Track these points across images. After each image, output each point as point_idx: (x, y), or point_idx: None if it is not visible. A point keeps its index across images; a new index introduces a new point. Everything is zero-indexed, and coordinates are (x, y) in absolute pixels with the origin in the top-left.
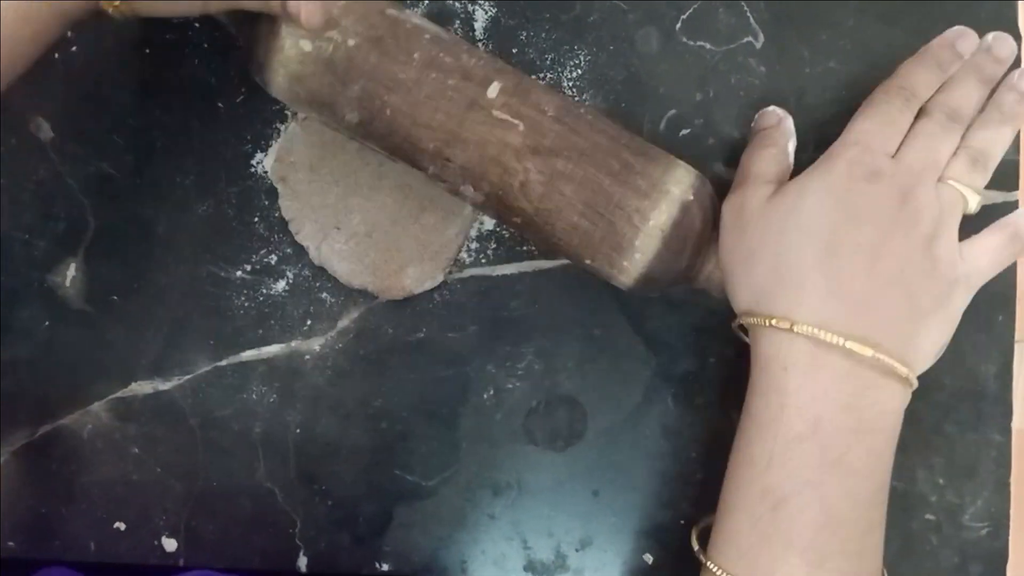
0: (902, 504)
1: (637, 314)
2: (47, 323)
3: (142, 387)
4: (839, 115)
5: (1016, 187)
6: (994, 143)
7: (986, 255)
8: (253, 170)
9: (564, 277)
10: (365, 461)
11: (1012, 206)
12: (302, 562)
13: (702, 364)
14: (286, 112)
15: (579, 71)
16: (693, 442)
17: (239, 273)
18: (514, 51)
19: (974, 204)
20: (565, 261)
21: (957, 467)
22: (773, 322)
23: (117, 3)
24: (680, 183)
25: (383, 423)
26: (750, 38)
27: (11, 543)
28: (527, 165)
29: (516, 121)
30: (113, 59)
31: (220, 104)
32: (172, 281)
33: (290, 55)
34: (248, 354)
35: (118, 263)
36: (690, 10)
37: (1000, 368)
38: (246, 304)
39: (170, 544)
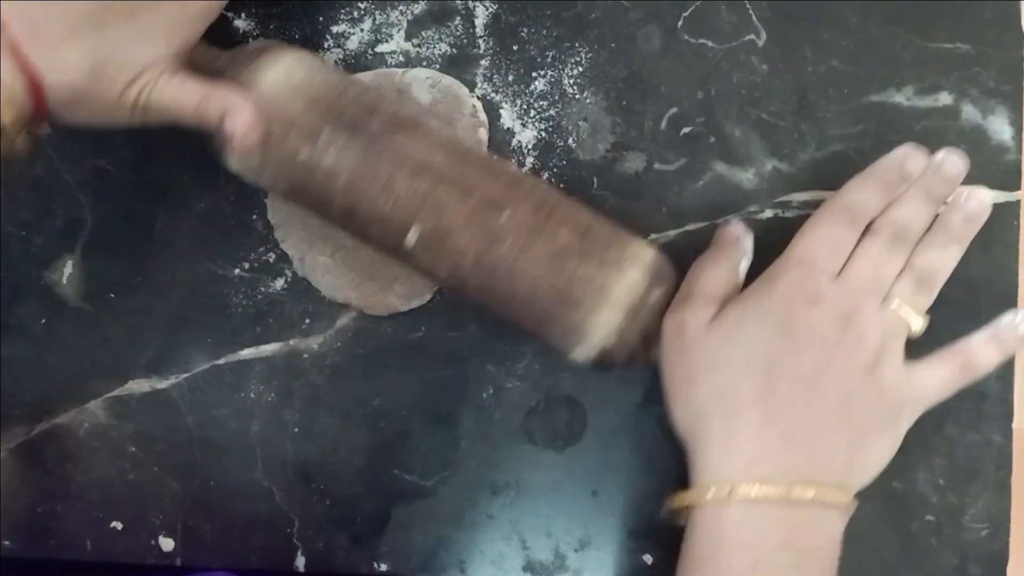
0: (902, 505)
1: None
2: (44, 320)
3: (139, 385)
4: (841, 114)
5: (1018, 186)
6: (940, 264)
7: (935, 382)
8: None
9: None
10: (363, 461)
11: (1015, 207)
12: (300, 562)
13: None
14: None
15: (580, 68)
16: None
17: (237, 271)
18: (515, 48)
19: (918, 326)
20: None
21: (958, 468)
22: (710, 494)
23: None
24: (640, 260)
25: (382, 422)
26: (752, 36)
27: (7, 542)
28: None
29: (434, 270)
30: None
31: None
32: (170, 279)
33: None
34: (246, 353)
35: (116, 260)
36: (692, 8)
37: (1001, 369)
38: (244, 302)
39: (167, 543)
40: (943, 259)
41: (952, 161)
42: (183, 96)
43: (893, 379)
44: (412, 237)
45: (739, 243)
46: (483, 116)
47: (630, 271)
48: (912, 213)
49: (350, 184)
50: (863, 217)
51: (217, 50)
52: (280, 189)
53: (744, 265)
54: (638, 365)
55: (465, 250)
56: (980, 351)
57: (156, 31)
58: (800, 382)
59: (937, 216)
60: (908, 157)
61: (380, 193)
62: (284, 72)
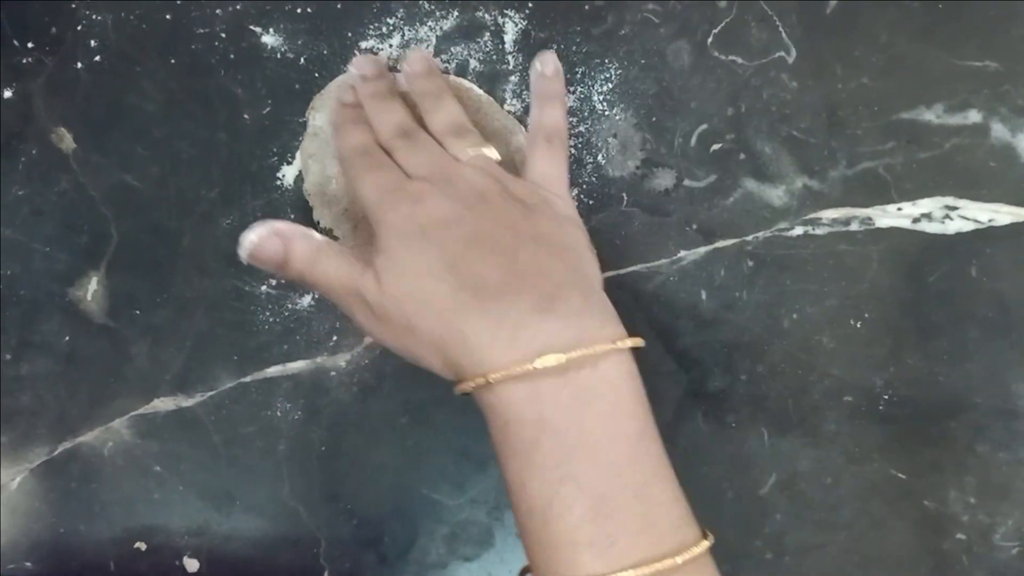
0: (933, 524)
1: (668, 331)
2: (68, 337)
3: (164, 403)
4: (871, 132)
5: None
6: (451, 112)
7: (546, 165)
8: (279, 183)
9: None
10: (391, 480)
11: None
12: None
13: (733, 381)
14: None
15: (610, 85)
16: (724, 461)
17: (264, 288)
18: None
19: (494, 153)
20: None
21: (989, 487)
22: (462, 386)
23: None
24: None
25: (410, 441)
26: (782, 53)
27: (28, 563)
28: None
29: None
30: (137, 69)
31: (246, 116)
32: (196, 295)
33: None
34: (273, 370)
35: (141, 277)
36: (722, 24)
37: None
38: (271, 319)
39: (192, 564)
40: (447, 106)
41: (362, 63)
42: None
43: (522, 189)
44: None
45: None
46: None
47: None
48: (394, 116)
49: None
50: (374, 146)
51: None
52: None
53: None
54: None
55: None
56: (545, 117)
57: None
58: (478, 249)
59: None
60: (343, 94)
61: None
62: None
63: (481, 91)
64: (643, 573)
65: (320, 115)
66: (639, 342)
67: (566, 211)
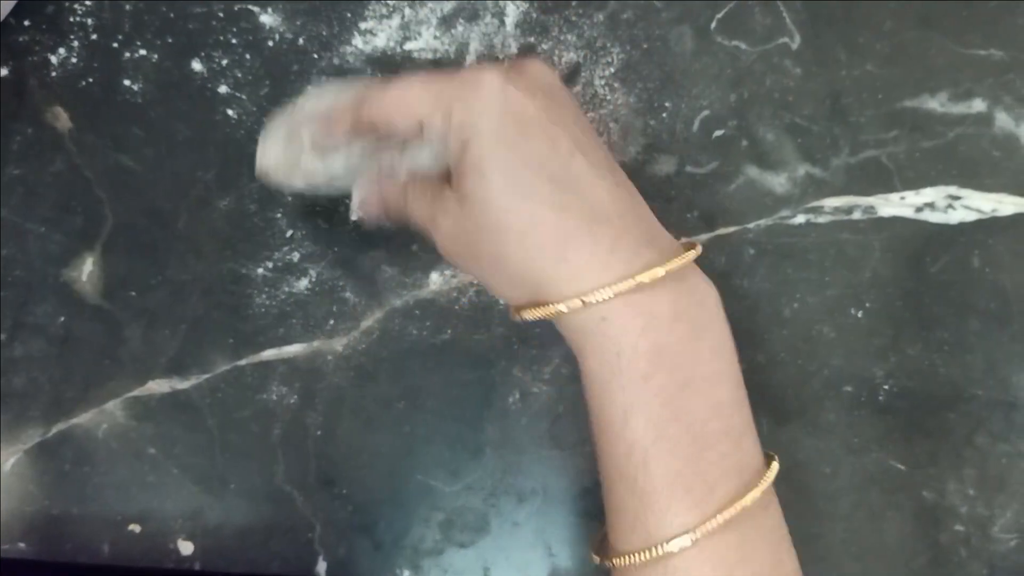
0: (932, 515)
1: None
2: (63, 319)
3: (159, 386)
4: (875, 119)
5: None
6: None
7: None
8: None
9: None
10: (387, 466)
11: None
12: (321, 568)
13: None
14: None
15: (612, 69)
16: None
17: (260, 270)
18: (545, 47)
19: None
20: None
21: (988, 478)
22: (563, 307)
23: None
24: None
25: (406, 426)
26: (786, 39)
27: (22, 544)
28: None
29: None
30: (134, 49)
31: (243, 96)
32: (191, 278)
33: None
34: (268, 354)
35: (136, 258)
36: (725, 9)
37: None
38: (267, 302)
39: (186, 547)
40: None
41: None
42: None
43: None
44: None
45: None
46: None
47: None
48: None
49: None
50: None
51: None
52: None
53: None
54: None
55: None
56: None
57: None
58: (581, 164)
59: None
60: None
61: None
62: None
63: None
64: (731, 513)
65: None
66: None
67: None
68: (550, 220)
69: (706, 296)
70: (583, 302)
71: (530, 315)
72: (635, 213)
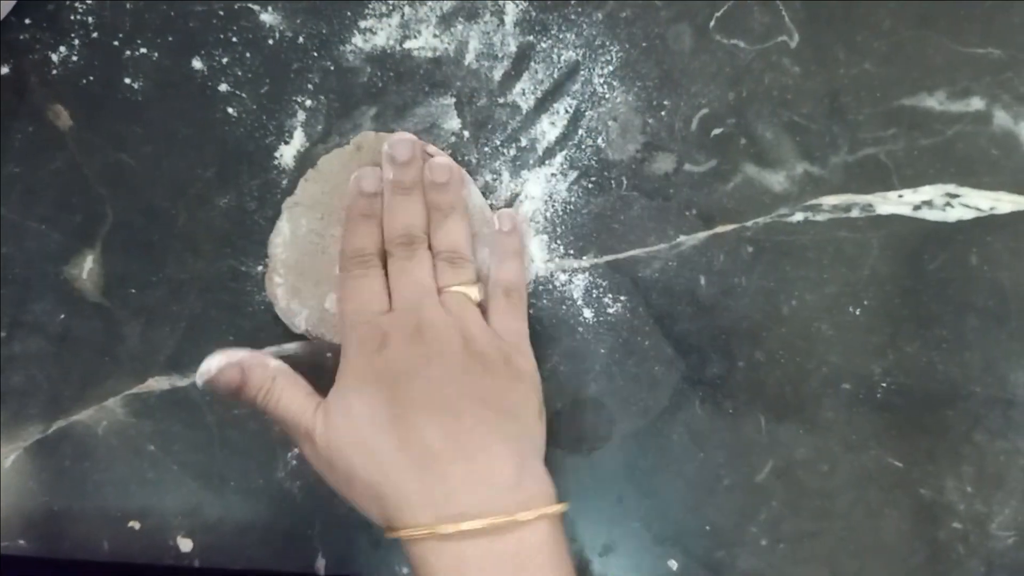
0: (930, 513)
1: (666, 316)
2: (62, 316)
3: (159, 383)
4: (873, 118)
5: None
6: (455, 236)
7: (511, 322)
8: (276, 163)
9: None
10: None
11: None
12: (320, 564)
13: (731, 368)
14: (307, 105)
15: (611, 67)
16: (720, 447)
17: (260, 268)
18: (544, 46)
19: (475, 294)
20: (595, 261)
21: (985, 476)
22: (394, 533)
23: None
24: None
25: None
26: (784, 37)
27: (22, 541)
28: None
29: None
30: (134, 47)
31: (243, 95)
32: (191, 275)
33: None
34: (268, 351)
35: (136, 256)
36: (724, 8)
37: None
38: (266, 300)
39: (185, 544)
40: (453, 230)
41: (399, 145)
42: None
43: (485, 344)
44: None
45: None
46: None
47: None
48: (404, 216)
49: None
50: (370, 252)
51: None
52: None
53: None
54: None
55: None
56: (503, 272)
57: None
58: (426, 410)
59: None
60: (362, 178)
61: None
62: None
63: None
64: None
65: (314, 186)
66: (562, 508)
67: (524, 367)
68: (386, 448)
69: (524, 528)
70: (415, 533)
71: (389, 535)
72: (482, 458)
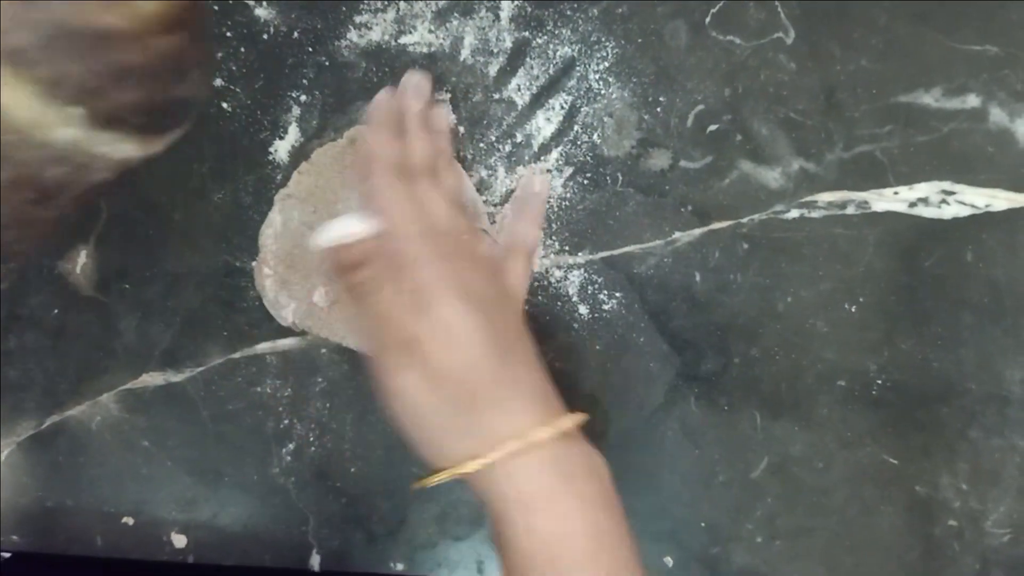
0: (925, 509)
1: (661, 312)
2: (56, 311)
3: (153, 378)
4: (869, 114)
5: None
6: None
7: (519, 277)
8: (271, 157)
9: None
10: (381, 458)
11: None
12: (315, 560)
13: (726, 364)
14: (302, 100)
15: (606, 64)
16: (715, 443)
17: (254, 263)
18: (540, 41)
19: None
20: (590, 257)
21: (981, 473)
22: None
23: None
24: None
25: None
26: (780, 34)
27: (15, 536)
28: None
29: None
30: None
31: (238, 90)
32: (186, 270)
33: None
34: (263, 347)
35: (131, 251)
36: (720, 4)
37: None
38: (261, 296)
39: (179, 540)
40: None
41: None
42: None
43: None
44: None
45: None
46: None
47: None
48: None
49: None
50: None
51: None
52: None
53: None
54: None
55: None
56: (529, 235)
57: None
58: (452, 372)
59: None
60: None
61: None
62: None
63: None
64: None
65: (307, 178)
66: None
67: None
68: (431, 405)
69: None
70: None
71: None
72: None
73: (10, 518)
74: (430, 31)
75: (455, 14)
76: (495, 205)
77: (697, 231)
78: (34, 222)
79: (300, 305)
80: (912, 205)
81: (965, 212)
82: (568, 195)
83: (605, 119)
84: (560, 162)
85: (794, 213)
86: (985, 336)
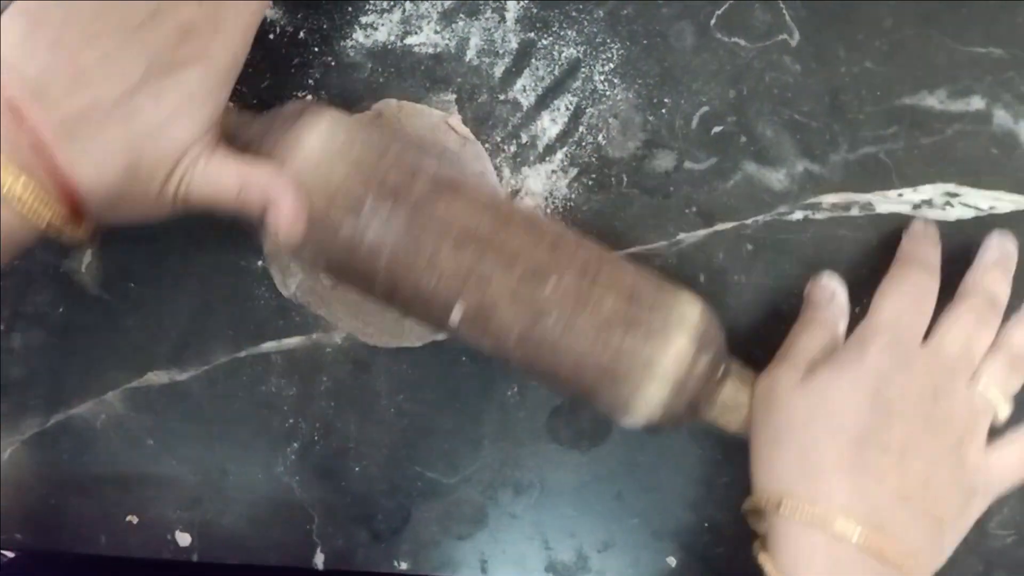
0: None
1: None
2: (62, 309)
3: (158, 377)
4: (874, 116)
5: None
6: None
7: (1013, 468)
8: None
9: None
10: (385, 457)
11: None
12: (319, 559)
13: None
14: (308, 100)
15: (611, 65)
16: (719, 444)
17: (260, 262)
18: (545, 43)
19: (1005, 413)
20: None
21: None
22: (797, 511)
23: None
24: (686, 325)
25: (404, 419)
26: (785, 36)
27: (19, 535)
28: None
29: (479, 344)
30: None
31: (244, 89)
32: (191, 269)
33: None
34: (268, 346)
35: (136, 249)
36: (725, 6)
37: None
38: (266, 294)
39: (184, 539)
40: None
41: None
42: (222, 182)
43: (975, 462)
44: (456, 316)
45: (834, 300)
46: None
47: (677, 339)
48: (1000, 286)
49: (393, 261)
50: (937, 271)
51: (249, 114)
52: (319, 267)
53: (843, 326)
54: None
55: (510, 326)
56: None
57: (184, 108)
58: (889, 454)
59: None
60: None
61: (425, 270)
62: (324, 136)
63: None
64: None
65: None
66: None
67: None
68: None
69: None
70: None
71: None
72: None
73: (14, 516)
74: (436, 32)
75: (461, 15)
76: None
77: (701, 232)
78: None
79: (306, 279)
80: (916, 207)
81: (969, 214)
82: (573, 196)
83: (610, 120)
84: (565, 163)
85: (798, 215)
86: None
